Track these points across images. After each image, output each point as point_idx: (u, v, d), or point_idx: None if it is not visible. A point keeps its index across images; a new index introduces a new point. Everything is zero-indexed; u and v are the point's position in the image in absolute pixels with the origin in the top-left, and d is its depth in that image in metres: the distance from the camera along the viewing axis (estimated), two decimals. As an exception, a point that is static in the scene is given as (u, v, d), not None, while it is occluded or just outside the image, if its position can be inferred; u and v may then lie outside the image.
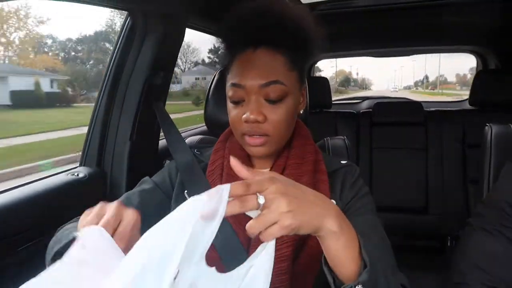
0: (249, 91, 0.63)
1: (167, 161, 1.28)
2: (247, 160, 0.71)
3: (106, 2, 0.98)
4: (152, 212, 0.68)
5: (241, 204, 0.41)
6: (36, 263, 0.89)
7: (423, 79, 75.92)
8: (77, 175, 1.05)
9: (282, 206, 0.41)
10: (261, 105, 0.63)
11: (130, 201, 0.70)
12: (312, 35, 0.66)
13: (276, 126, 0.64)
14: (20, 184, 0.92)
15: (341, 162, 0.75)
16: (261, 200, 0.42)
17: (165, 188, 0.74)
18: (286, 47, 0.64)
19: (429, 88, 65.08)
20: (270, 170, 0.69)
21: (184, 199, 0.71)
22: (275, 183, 0.42)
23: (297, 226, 0.41)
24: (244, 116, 0.63)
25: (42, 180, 0.97)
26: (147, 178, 0.77)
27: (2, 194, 0.85)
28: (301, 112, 0.72)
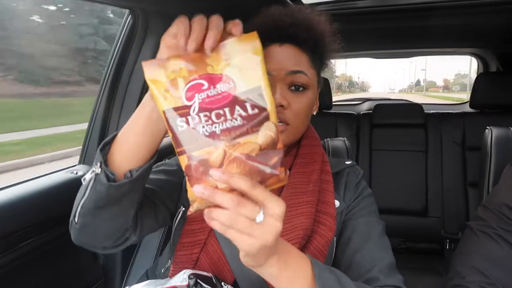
0: (275, 78, 0.65)
1: (167, 160, 1.29)
2: None
3: (108, 0, 0.98)
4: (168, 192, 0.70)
5: (237, 208, 0.39)
6: (35, 260, 0.90)
7: (416, 82, 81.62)
8: (76, 173, 1.04)
9: (272, 233, 0.40)
10: (285, 92, 0.66)
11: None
12: (330, 41, 0.70)
13: (296, 114, 0.66)
14: (19, 181, 0.92)
15: (346, 163, 0.76)
16: (260, 217, 0.40)
17: (182, 173, 0.75)
18: (309, 47, 0.68)
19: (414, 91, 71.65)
20: None
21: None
22: (282, 207, 0.41)
23: (253, 253, 0.41)
24: None
25: (41, 178, 0.97)
26: (164, 162, 0.77)
27: (1, 191, 0.85)
28: (314, 113, 0.74)
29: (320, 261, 0.53)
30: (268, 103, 0.41)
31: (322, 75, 0.76)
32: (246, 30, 0.72)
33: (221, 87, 0.41)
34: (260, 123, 0.41)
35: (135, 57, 1.13)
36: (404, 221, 1.87)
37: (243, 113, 0.41)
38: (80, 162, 1.15)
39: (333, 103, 2.04)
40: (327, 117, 2.03)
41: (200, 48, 0.42)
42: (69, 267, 1.03)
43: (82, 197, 0.54)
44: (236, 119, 0.41)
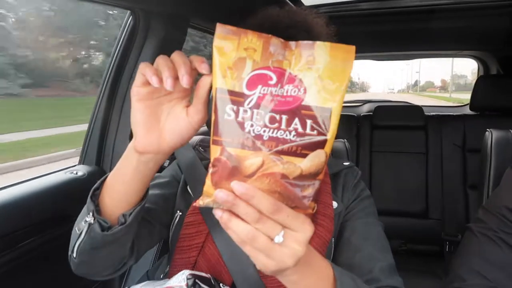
0: None
1: (167, 160, 1.28)
2: None
3: (108, 0, 0.98)
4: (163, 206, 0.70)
5: (256, 224, 0.35)
6: (35, 260, 0.89)
7: (415, 83, 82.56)
8: (76, 173, 1.04)
9: (292, 257, 0.37)
10: None
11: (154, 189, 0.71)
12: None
13: None
14: (19, 181, 0.92)
15: (343, 164, 0.76)
16: (279, 239, 0.36)
17: (175, 183, 0.75)
18: None
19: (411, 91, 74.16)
20: None
21: (189, 194, 0.71)
22: (308, 231, 0.37)
23: (268, 272, 0.38)
24: None
25: (41, 178, 0.97)
26: (156, 175, 0.76)
27: (1, 191, 0.85)
28: None
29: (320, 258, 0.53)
30: (330, 131, 0.36)
31: None
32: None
33: (289, 89, 0.36)
34: (313, 148, 0.36)
35: (136, 58, 1.13)
36: (404, 223, 1.87)
37: (300, 129, 0.36)
38: (80, 162, 1.15)
39: None
40: None
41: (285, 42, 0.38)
42: (69, 267, 1.03)
43: (77, 238, 0.54)
44: (290, 132, 0.36)
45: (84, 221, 0.53)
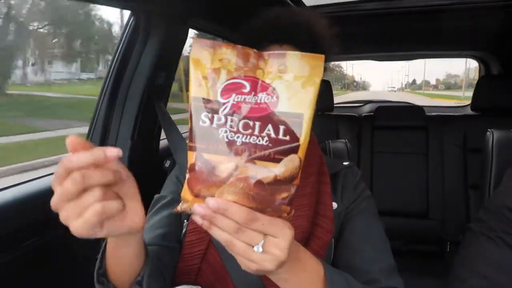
0: None
1: (168, 161, 1.28)
2: None
3: (110, 1, 0.98)
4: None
5: (235, 234, 0.36)
6: (35, 261, 0.90)
7: (413, 81, 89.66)
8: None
9: (273, 263, 0.38)
10: None
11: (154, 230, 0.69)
12: (330, 44, 0.68)
13: None
14: (19, 182, 0.92)
15: (343, 163, 0.75)
16: (259, 248, 0.37)
17: (178, 197, 0.74)
18: (309, 49, 0.65)
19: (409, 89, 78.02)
20: None
21: None
22: (288, 236, 0.38)
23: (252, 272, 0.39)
24: None
25: (42, 178, 0.97)
26: (158, 196, 0.75)
27: (1, 192, 0.85)
28: None
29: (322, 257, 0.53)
30: (303, 136, 0.37)
31: (330, 76, 0.76)
32: (246, 31, 0.72)
33: (262, 97, 0.38)
34: (286, 153, 0.37)
35: (137, 58, 1.13)
36: (405, 223, 1.87)
37: (273, 135, 0.37)
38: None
39: (335, 105, 2.04)
40: (328, 119, 2.03)
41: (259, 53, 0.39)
42: (68, 268, 1.03)
43: None
44: (262, 138, 0.37)
45: None
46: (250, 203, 0.37)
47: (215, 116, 0.38)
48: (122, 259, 0.50)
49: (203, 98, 0.38)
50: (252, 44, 0.59)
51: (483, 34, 1.80)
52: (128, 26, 1.11)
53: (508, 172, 0.82)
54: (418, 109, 2.03)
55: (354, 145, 1.98)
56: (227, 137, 0.37)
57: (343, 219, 0.69)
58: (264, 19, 0.67)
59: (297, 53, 0.38)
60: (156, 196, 0.74)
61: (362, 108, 2.78)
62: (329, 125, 2.01)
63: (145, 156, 1.21)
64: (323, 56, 0.38)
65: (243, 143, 0.37)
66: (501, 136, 1.03)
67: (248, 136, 0.37)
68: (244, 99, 0.38)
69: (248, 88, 0.38)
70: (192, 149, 0.38)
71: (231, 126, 0.38)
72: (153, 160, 1.26)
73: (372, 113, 2.06)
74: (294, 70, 0.38)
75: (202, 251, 0.65)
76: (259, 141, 0.37)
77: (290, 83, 0.38)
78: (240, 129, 0.38)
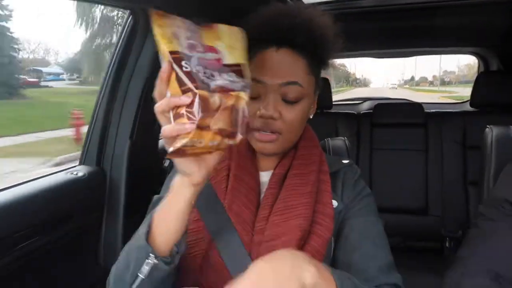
0: (268, 88, 0.64)
1: (168, 161, 1.28)
2: (252, 160, 0.71)
3: (108, 1, 0.98)
4: None
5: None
6: (36, 261, 0.90)
7: (411, 78, 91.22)
8: (77, 174, 1.04)
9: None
10: (277, 103, 0.64)
11: None
12: (332, 44, 0.67)
13: (289, 125, 0.65)
14: (19, 182, 0.92)
15: (343, 162, 0.75)
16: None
17: None
18: (308, 51, 0.65)
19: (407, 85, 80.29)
20: (275, 169, 0.70)
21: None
22: None
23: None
24: (261, 111, 0.63)
25: (41, 179, 0.97)
26: (157, 197, 0.75)
27: (1, 192, 0.85)
28: (310, 117, 0.73)
29: (319, 261, 0.53)
30: (246, 77, 0.52)
31: (334, 75, 0.75)
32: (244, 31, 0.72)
33: (212, 55, 0.50)
34: (244, 85, 0.51)
35: (136, 57, 1.13)
36: (404, 220, 1.87)
37: (229, 78, 0.50)
38: (80, 163, 1.15)
39: (333, 103, 2.04)
40: (327, 117, 2.03)
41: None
42: (70, 268, 1.03)
43: (132, 284, 0.56)
44: (224, 80, 0.49)
45: (146, 263, 0.55)
46: (229, 119, 0.48)
47: (191, 63, 0.47)
48: (171, 214, 0.56)
49: (179, 51, 0.47)
50: (250, 45, 0.59)
51: (483, 31, 1.80)
52: (127, 26, 1.11)
53: (508, 167, 0.83)
54: (417, 106, 2.03)
55: (353, 142, 1.98)
56: (206, 78, 0.47)
57: (343, 217, 0.69)
58: (262, 19, 0.66)
59: (224, 25, 0.54)
60: (155, 196, 0.74)
61: (361, 106, 2.78)
62: (328, 123, 2.01)
63: (144, 155, 1.21)
64: (241, 28, 0.55)
65: (217, 84, 0.48)
66: (500, 132, 1.04)
67: (216, 80, 0.48)
68: (201, 56, 0.49)
69: (201, 48, 0.50)
70: (186, 91, 0.45)
71: (205, 73, 0.48)
72: (152, 159, 1.26)
73: (371, 111, 2.07)
74: (226, 36, 0.53)
75: (203, 251, 0.64)
76: (223, 82, 0.49)
77: (228, 44, 0.53)
78: (209, 75, 0.48)
